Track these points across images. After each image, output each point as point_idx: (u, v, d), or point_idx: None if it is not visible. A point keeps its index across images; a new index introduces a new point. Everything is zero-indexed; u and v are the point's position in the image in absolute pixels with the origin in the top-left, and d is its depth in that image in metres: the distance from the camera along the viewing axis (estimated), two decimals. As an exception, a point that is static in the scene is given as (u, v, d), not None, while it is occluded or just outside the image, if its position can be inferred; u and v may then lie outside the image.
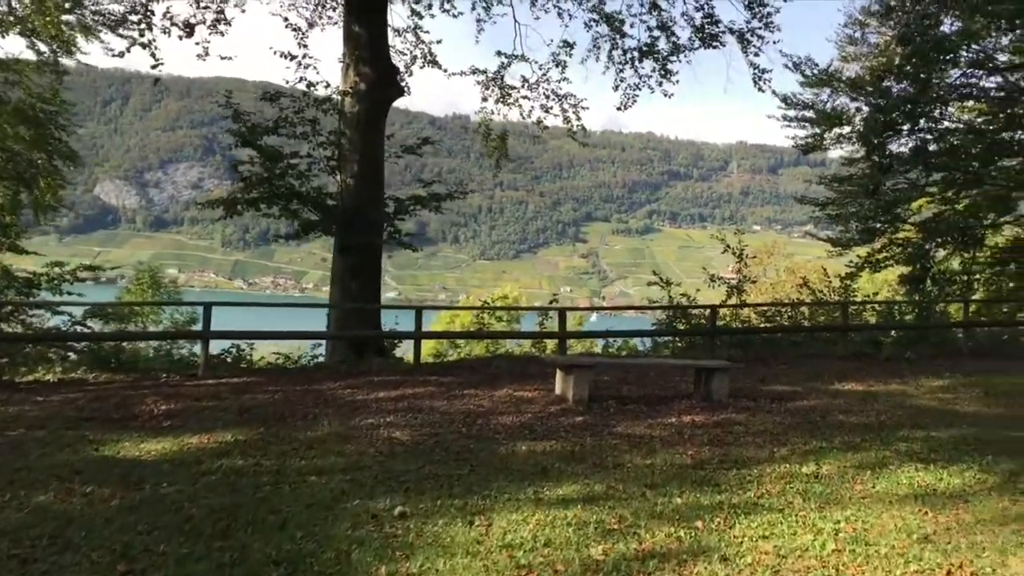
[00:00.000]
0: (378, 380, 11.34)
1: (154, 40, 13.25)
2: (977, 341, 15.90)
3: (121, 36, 13.75)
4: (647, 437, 7.97)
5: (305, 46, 15.20)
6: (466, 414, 8.95)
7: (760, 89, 16.09)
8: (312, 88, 14.07)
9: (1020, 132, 20.79)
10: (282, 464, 6.72)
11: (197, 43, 14.26)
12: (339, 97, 14.42)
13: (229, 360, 13.19)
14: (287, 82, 14.29)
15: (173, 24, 13.88)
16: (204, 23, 14.26)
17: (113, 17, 13.40)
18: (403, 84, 16.33)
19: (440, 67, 17.04)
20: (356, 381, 11.25)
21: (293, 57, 14.58)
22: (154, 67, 13.21)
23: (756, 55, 15.60)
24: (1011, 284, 21.03)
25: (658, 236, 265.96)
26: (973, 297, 18.43)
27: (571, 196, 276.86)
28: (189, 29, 14.01)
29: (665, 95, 16.46)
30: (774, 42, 15.10)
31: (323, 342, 14.34)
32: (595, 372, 9.86)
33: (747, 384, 11.30)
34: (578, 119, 17.53)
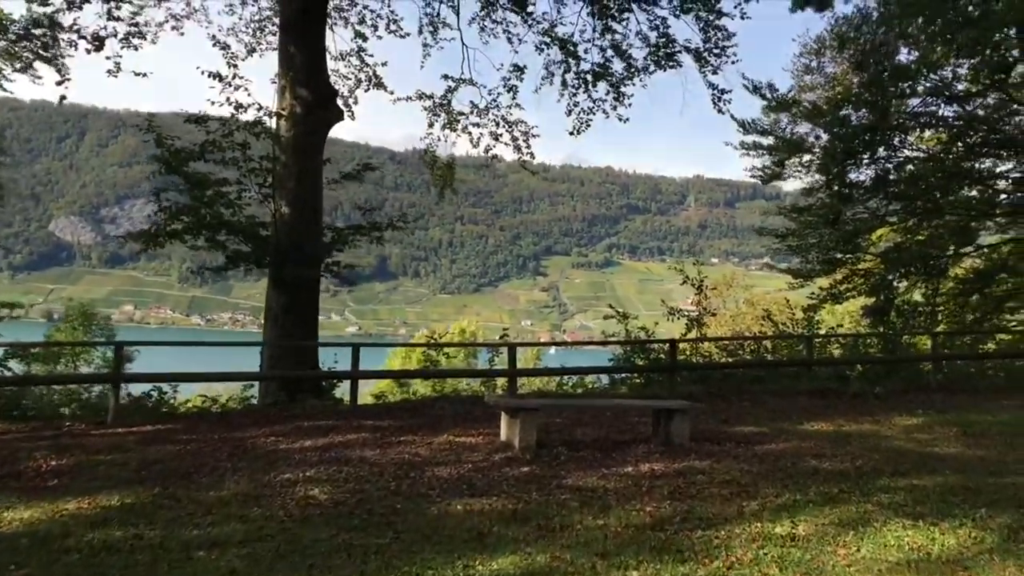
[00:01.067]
0: (307, 426, 10.31)
1: (61, 56, 12.22)
2: (945, 375, 15.28)
3: (22, 53, 12.65)
4: (600, 490, 7.05)
5: (235, 66, 14.29)
6: (399, 465, 7.95)
7: (720, 110, 15.56)
8: (241, 110, 13.11)
9: (979, 161, 20.52)
10: (168, 535, 5.66)
11: (108, 57, 13.23)
12: (272, 120, 13.49)
13: (150, 405, 12.03)
14: (213, 103, 13.32)
15: (81, 37, 12.86)
16: (115, 36, 13.25)
17: (16, 31, 12.33)
18: (346, 107, 15.54)
19: (386, 89, 16.27)
20: (283, 427, 10.19)
21: (222, 78, 13.62)
22: (59, 83, 12.18)
23: (714, 73, 15.06)
24: (974, 315, 20.61)
25: (618, 269, 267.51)
26: (937, 329, 17.90)
27: (531, 230, 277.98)
28: (99, 43, 12.99)
29: (620, 119, 15.87)
30: (732, 62, 14.43)
31: (257, 383, 13.25)
32: (544, 415, 8.97)
33: (709, 425, 10.46)
34: (528, 147, 16.87)
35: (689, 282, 16.51)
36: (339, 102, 14.53)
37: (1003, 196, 20.65)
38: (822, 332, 17.11)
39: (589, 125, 15.96)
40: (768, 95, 20.36)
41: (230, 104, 13.17)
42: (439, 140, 17.01)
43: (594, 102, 15.71)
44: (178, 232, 12.88)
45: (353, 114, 16.11)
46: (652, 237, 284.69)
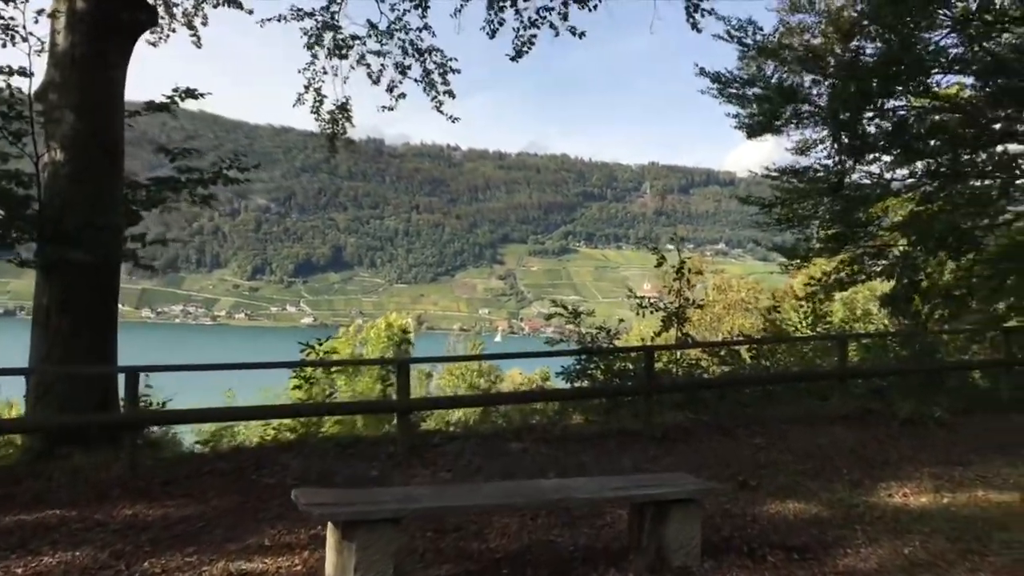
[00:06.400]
0: (16, 520, 5.78)
1: None
2: (1016, 387, 11.11)
3: None
4: None
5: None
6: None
7: (696, 27, 11.32)
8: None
9: (1012, 111, 16.46)
10: None
11: None
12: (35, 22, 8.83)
13: None
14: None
15: None
16: None
17: None
18: (188, 27, 11.02)
19: (241, 6, 11.59)
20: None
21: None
22: None
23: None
24: (1008, 301, 16.60)
25: (575, 257, 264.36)
26: (1009, 323, 13.83)
27: (488, 218, 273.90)
28: None
29: (573, 33, 11.49)
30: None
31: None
32: (411, 526, 4.56)
33: (720, 502, 6.15)
34: (446, 84, 12.45)
35: (668, 266, 12.03)
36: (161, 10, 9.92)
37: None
38: (861, 331, 12.95)
39: (532, 44, 11.57)
40: (749, 39, 16.10)
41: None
42: (324, 73, 12.45)
43: (539, 13, 11.30)
44: None
45: (199, 39, 11.52)
46: (608, 224, 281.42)
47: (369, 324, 45.04)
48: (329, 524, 4.33)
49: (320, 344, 10.43)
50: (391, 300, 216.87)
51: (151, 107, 9.63)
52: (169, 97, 9.53)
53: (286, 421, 9.15)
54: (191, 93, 9.59)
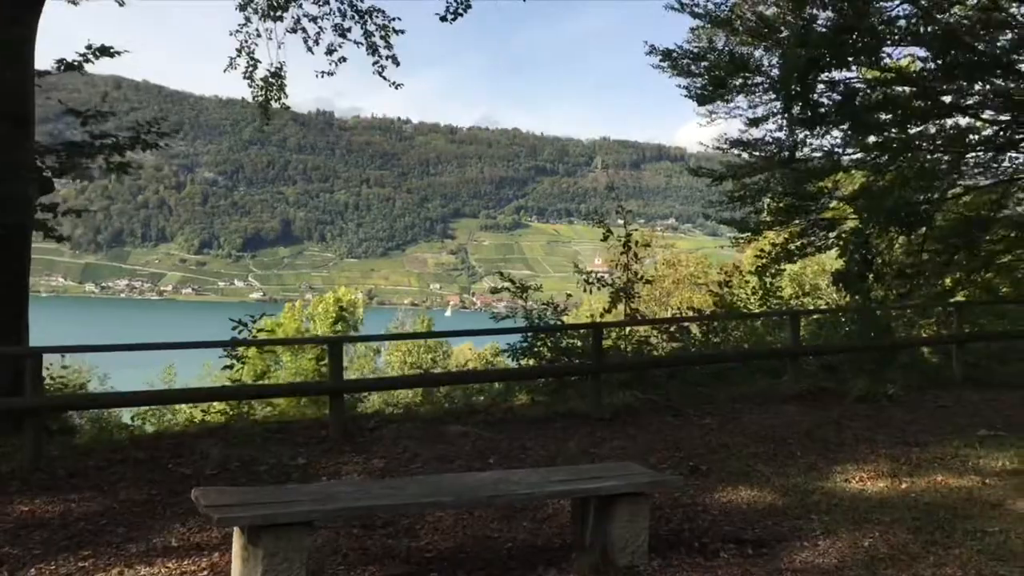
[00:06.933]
0: None
1: None
2: (967, 363, 10.95)
3: None
4: None
5: None
6: None
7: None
8: None
9: (963, 83, 16.32)
10: None
11: None
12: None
13: None
14: None
15: None
16: None
17: None
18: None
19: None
20: None
21: None
22: None
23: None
24: (956, 277, 16.58)
25: (526, 232, 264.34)
26: (955, 299, 13.75)
27: (439, 193, 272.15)
28: None
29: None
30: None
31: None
32: (327, 528, 4.07)
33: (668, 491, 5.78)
34: (389, 48, 11.85)
35: (614, 237, 11.63)
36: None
37: (988, 130, 16.50)
38: (811, 307, 12.69)
39: (468, 6, 11.03)
40: (700, 9, 15.68)
41: None
42: (258, 36, 11.72)
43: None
44: None
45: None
46: (560, 199, 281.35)
47: (316, 299, 43.99)
48: (236, 530, 3.83)
49: (254, 321, 9.80)
50: (341, 275, 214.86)
51: (63, 66, 8.81)
52: (82, 55, 8.73)
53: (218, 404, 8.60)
54: (105, 51, 8.81)
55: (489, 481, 4.28)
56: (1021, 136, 15.55)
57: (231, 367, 9.19)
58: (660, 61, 16.08)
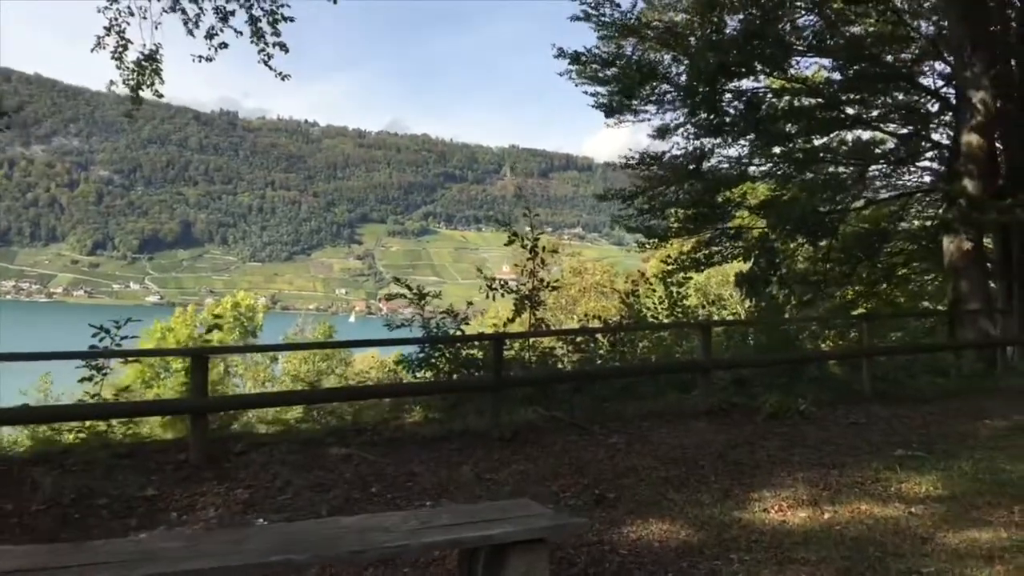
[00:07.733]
0: None
1: None
2: (876, 377, 10.71)
3: None
4: None
5: None
6: None
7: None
8: None
9: (867, 95, 16.39)
10: None
11: None
12: None
13: None
14: None
15: None
16: None
17: None
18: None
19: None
20: None
21: None
22: None
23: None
24: (857, 288, 16.64)
25: (434, 238, 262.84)
26: (857, 312, 13.63)
27: (346, 197, 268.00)
28: None
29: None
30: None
31: None
32: None
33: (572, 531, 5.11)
34: (276, 34, 10.99)
35: (519, 242, 10.97)
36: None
37: (890, 143, 16.63)
38: (728, 318, 12.29)
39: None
40: (606, 16, 15.29)
41: None
42: (130, 15, 10.60)
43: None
44: None
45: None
46: (468, 206, 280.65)
47: (212, 303, 41.95)
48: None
49: (118, 327, 8.67)
50: (244, 279, 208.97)
51: None
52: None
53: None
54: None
55: (355, 529, 3.49)
56: (923, 148, 15.68)
57: (90, 379, 8.09)
58: (569, 65, 15.67)
